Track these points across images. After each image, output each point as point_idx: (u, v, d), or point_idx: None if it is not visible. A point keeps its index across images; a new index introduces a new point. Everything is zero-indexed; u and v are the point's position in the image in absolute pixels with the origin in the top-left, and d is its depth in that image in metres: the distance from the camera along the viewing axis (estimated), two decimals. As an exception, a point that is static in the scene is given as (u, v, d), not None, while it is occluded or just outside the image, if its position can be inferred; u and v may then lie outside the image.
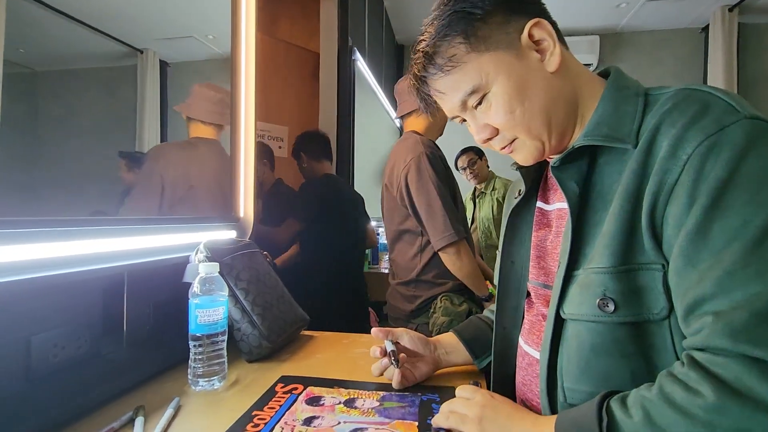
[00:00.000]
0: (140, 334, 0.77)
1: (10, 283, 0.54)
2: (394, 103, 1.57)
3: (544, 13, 0.57)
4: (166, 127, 0.96)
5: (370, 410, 0.62)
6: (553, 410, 0.54)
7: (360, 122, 2.63)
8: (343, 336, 1.02)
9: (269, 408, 0.62)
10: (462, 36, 0.55)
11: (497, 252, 0.72)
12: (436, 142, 1.47)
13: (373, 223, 2.41)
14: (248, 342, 0.82)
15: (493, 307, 0.75)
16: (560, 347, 0.54)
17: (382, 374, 0.73)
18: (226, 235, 1.09)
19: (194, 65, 1.12)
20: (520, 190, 0.68)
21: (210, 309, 0.69)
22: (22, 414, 0.54)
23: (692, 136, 0.44)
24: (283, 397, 0.66)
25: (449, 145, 2.05)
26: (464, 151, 2.96)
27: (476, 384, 0.67)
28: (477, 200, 3.03)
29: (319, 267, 1.89)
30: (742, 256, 0.40)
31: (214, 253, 0.82)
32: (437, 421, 0.57)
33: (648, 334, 0.48)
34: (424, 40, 0.58)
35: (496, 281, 0.72)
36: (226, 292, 0.74)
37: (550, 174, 0.59)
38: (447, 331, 0.82)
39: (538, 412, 0.56)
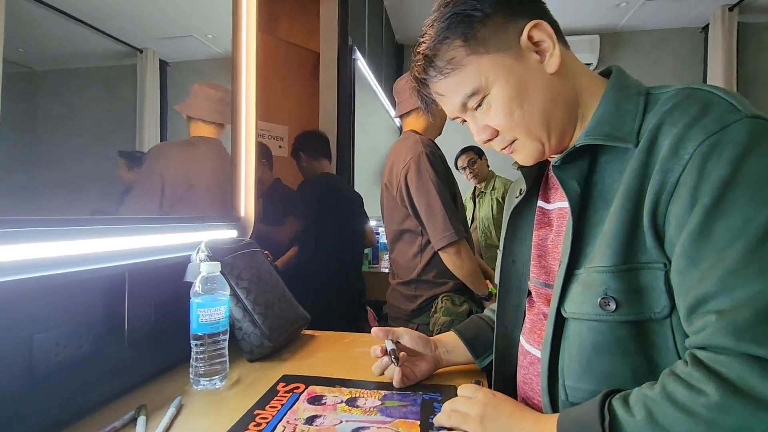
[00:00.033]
0: (141, 334, 0.77)
1: (11, 283, 0.54)
2: (394, 103, 1.57)
3: (544, 14, 0.57)
4: (166, 126, 0.96)
5: (371, 409, 0.62)
6: (555, 409, 0.54)
7: (360, 122, 2.63)
8: (344, 335, 1.02)
9: (271, 407, 0.62)
10: (461, 39, 0.55)
11: (498, 251, 0.72)
12: (436, 141, 1.47)
13: (372, 223, 2.41)
14: (250, 341, 0.82)
15: (494, 306, 0.75)
16: (561, 346, 0.54)
17: (382, 373, 0.73)
18: (226, 234, 1.09)
19: (194, 64, 1.11)
20: (521, 190, 0.68)
21: (211, 308, 0.69)
22: (24, 413, 0.54)
23: (694, 135, 0.44)
24: (285, 396, 0.66)
25: (449, 145, 2.05)
26: (464, 151, 2.96)
27: (478, 383, 0.67)
28: (477, 200, 3.04)
29: (318, 266, 1.88)
30: (745, 255, 0.40)
31: (215, 253, 0.82)
32: (439, 420, 0.57)
33: (649, 332, 0.48)
34: (424, 43, 0.58)
35: (497, 280, 0.72)
36: (227, 291, 0.74)
37: (551, 173, 0.59)
38: (448, 331, 0.82)
39: (539, 410, 0.56)
